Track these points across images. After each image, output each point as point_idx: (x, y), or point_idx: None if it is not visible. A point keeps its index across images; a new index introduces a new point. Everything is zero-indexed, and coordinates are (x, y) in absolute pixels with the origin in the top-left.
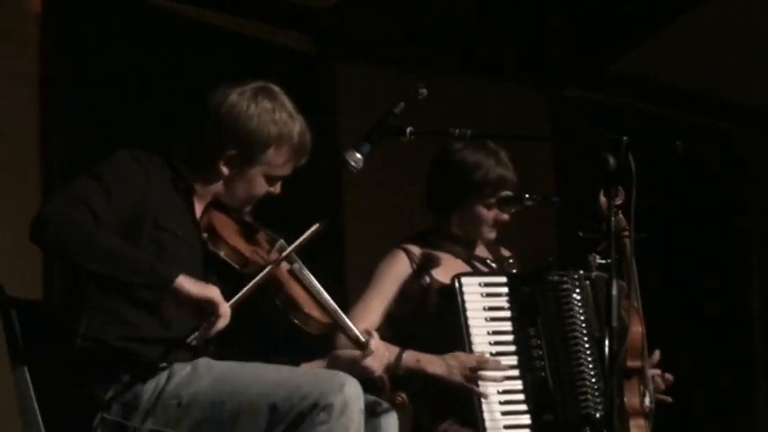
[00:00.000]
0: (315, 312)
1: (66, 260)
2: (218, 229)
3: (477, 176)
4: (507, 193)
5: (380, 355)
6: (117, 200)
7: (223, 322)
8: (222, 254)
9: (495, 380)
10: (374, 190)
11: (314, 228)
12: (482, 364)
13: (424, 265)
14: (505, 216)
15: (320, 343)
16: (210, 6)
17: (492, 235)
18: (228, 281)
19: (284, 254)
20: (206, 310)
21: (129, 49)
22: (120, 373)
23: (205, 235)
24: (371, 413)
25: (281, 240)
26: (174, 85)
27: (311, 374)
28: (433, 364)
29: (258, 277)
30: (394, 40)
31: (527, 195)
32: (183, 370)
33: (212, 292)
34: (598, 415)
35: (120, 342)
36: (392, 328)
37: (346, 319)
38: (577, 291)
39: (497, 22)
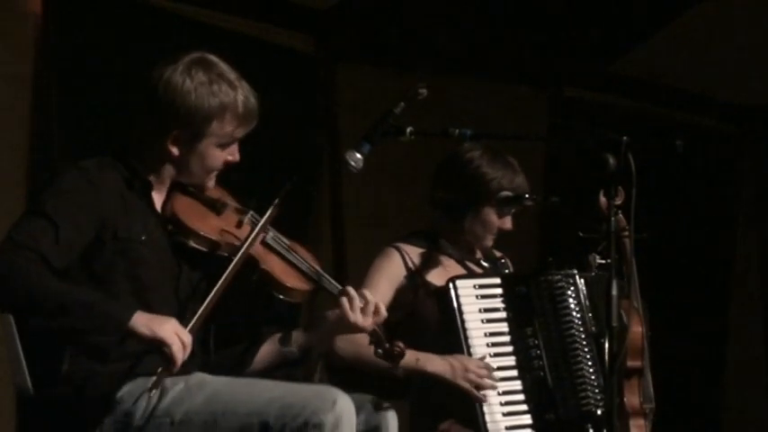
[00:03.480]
0: (297, 283)
1: (20, 316)
2: (182, 217)
3: (494, 185)
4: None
5: (369, 308)
6: (67, 233)
7: (185, 353)
8: (191, 243)
9: (494, 387)
10: (374, 190)
11: (283, 190)
12: (485, 370)
13: (419, 267)
14: (509, 225)
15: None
16: (210, 6)
17: (491, 242)
18: (211, 263)
19: (255, 232)
20: (162, 349)
21: (129, 49)
22: (112, 391)
23: (170, 227)
24: (373, 409)
25: (251, 212)
26: None
27: (304, 390)
28: (434, 363)
29: (229, 269)
30: (394, 40)
31: (527, 195)
32: (175, 387)
33: (165, 330)
34: (599, 412)
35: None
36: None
37: (325, 277)
38: (572, 289)
39: (497, 22)
